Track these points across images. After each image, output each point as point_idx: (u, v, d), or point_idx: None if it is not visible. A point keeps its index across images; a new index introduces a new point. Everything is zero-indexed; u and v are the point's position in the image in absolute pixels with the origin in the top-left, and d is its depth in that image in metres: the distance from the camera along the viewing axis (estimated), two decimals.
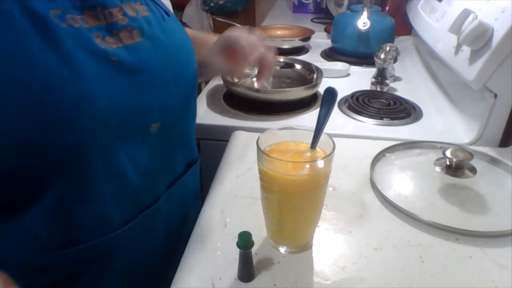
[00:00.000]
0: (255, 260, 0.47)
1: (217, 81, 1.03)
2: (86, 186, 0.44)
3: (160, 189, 0.55)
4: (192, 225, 0.55)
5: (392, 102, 0.91)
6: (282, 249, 0.51)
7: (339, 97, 0.86)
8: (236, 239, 0.44)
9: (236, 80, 0.91)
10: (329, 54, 1.28)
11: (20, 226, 0.44)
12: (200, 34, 0.76)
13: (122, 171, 0.47)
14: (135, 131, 0.47)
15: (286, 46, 1.28)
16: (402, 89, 1.01)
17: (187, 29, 0.67)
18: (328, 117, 0.47)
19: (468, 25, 0.69)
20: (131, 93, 0.45)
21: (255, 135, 0.51)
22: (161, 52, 0.49)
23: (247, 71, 1.02)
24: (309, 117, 0.87)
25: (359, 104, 0.90)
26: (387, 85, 1.00)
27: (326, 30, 1.52)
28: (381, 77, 1.00)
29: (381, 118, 0.85)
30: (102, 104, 0.41)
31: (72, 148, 0.41)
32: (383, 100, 0.93)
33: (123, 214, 0.49)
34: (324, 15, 1.77)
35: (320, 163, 0.46)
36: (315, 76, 0.96)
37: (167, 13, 0.54)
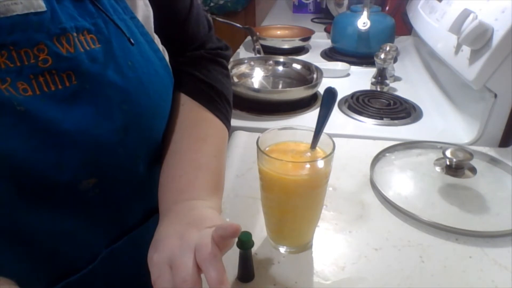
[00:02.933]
0: (255, 260, 0.47)
1: None
2: None
3: (96, 248, 0.46)
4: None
5: (392, 102, 0.91)
6: (282, 249, 0.51)
7: (339, 97, 0.86)
8: (236, 239, 0.44)
9: None
10: (329, 54, 1.28)
11: None
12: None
13: (30, 237, 0.40)
14: (49, 192, 0.39)
15: (286, 46, 1.28)
16: (402, 89, 1.01)
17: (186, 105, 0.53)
18: (328, 117, 0.47)
19: (468, 25, 0.69)
20: (39, 150, 0.36)
21: (255, 135, 0.51)
22: (103, 98, 0.40)
23: (247, 70, 1.03)
24: (309, 117, 0.87)
25: (359, 104, 0.90)
26: (387, 85, 1.00)
27: (326, 30, 1.52)
28: (381, 77, 1.00)
29: (381, 118, 0.85)
30: None
31: None
32: (383, 100, 0.93)
33: (44, 283, 0.43)
34: (324, 15, 1.77)
35: (320, 163, 0.46)
36: (315, 76, 0.96)
37: (131, 42, 0.42)
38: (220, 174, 0.50)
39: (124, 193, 0.47)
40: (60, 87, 0.37)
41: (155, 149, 0.50)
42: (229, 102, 0.57)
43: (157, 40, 0.48)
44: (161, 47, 0.49)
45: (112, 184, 0.45)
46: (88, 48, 0.39)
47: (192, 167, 0.47)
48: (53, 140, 0.37)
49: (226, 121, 0.55)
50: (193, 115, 0.53)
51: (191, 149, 0.49)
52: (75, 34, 0.38)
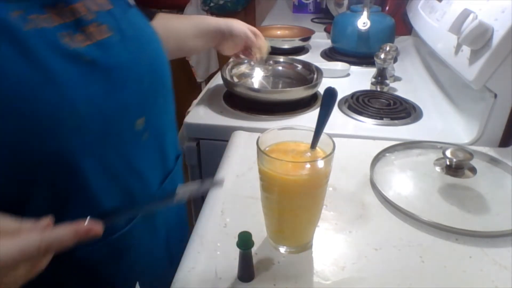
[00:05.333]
0: (255, 260, 0.47)
1: (217, 81, 1.03)
2: (79, 189, 0.43)
3: (154, 186, 0.54)
4: (186, 220, 0.56)
5: (392, 102, 0.91)
6: (282, 249, 0.51)
7: (339, 97, 0.86)
8: (236, 239, 0.44)
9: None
10: (329, 54, 1.28)
11: None
12: (173, 23, 0.79)
13: (114, 169, 0.46)
14: (121, 130, 0.45)
15: (286, 46, 1.28)
16: (402, 89, 1.01)
17: (161, 15, 0.74)
18: (328, 117, 0.47)
19: (468, 25, 0.69)
20: (109, 92, 0.43)
21: (255, 135, 0.51)
22: (131, 46, 0.47)
23: (247, 70, 1.03)
24: (309, 117, 0.87)
25: (359, 104, 0.90)
26: (387, 85, 1.00)
27: (326, 30, 1.52)
28: (381, 77, 1.00)
29: (381, 118, 0.85)
30: (82, 109, 0.40)
31: (56, 155, 0.39)
32: (383, 100, 0.93)
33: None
34: (324, 15, 1.77)
35: (320, 163, 0.46)
36: (315, 76, 0.96)
37: (129, 5, 0.51)
38: None
39: (164, 134, 0.55)
40: (104, 36, 0.44)
41: (171, 97, 0.59)
42: None
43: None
44: None
45: (155, 125, 0.52)
46: (106, 8, 0.47)
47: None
48: (119, 81, 0.44)
49: None
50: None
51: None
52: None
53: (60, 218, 0.41)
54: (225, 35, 0.82)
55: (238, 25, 0.83)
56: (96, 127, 0.42)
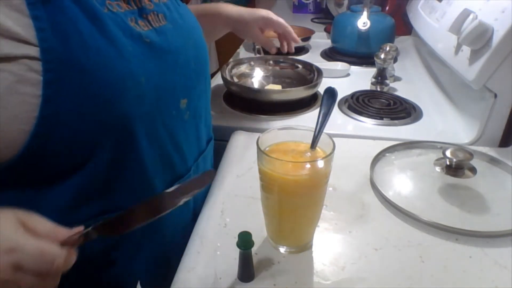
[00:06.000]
0: (255, 260, 0.47)
1: (217, 81, 1.03)
2: (132, 153, 0.48)
3: (190, 161, 0.59)
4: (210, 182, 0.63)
5: (392, 102, 0.91)
6: (282, 249, 0.51)
7: (339, 97, 0.86)
8: (236, 239, 0.44)
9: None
10: (329, 54, 1.28)
11: (68, 194, 0.46)
12: (203, 8, 0.90)
13: (161, 141, 0.52)
14: (169, 106, 0.52)
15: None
16: (402, 89, 1.01)
17: (191, 6, 0.79)
18: (328, 117, 0.47)
19: (468, 25, 0.69)
20: (163, 71, 0.50)
21: (255, 135, 0.51)
22: (181, 34, 0.55)
23: (247, 70, 1.03)
24: (309, 117, 0.87)
25: (359, 104, 0.90)
26: (387, 85, 1.00)
27: (326, 30, 1.52)
28: (381, 77, 1.00)
29: (381, 118, 0.85)
30: (142, 81, 0.46)
31: (120, 120, 0.45)
32: (383, 100, 0.93)
33: (162, 181, 0.54)
34: (324, 15, 1.77)
35: (320, 163, 0.46)
36: (315, 76, 0.96)
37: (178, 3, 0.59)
38: None
39: (200, 117, 0.61)
40: (161, 24, 0.51)
41: (209, 86, 0.66)
42: None
43: None
44: None
45: (194, 107, 0.58)
46: (163, 1, 0.54)
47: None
48: (171, 63, 0.51)
49: None
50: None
51: None
52: None
53: (113, 184, 0.49)
54: (237, 27, 0.89)
55: (249, 15, 0.88)
56: (151, 99, 0.48)
